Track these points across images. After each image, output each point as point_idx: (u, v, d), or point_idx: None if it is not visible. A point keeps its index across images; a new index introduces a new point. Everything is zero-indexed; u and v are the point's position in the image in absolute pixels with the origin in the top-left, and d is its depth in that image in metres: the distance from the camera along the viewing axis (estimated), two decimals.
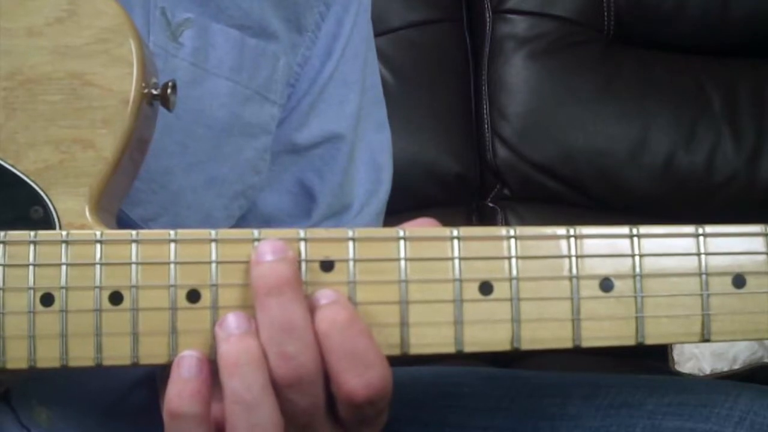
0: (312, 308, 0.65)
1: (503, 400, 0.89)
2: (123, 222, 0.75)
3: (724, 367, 1.88)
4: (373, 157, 0.99)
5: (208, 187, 0.86)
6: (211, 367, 0.66)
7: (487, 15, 2.13)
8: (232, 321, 0.65)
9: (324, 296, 0.65)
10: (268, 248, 0.65)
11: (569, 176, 2.07)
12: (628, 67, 2.11)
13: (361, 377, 0.64)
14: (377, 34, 2.05)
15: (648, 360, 1.91)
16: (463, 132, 2.11)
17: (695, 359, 1.89)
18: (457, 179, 2.09)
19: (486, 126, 2.10)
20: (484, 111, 2.11)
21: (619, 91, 2.09)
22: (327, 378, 0.66)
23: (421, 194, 2.03)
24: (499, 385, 0.91)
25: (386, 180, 1.00)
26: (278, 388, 0.65)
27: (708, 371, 1.88)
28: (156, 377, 0.75)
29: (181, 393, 0.65)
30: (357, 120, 0.97)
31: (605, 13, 2.11)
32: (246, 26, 0.86)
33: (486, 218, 2.08)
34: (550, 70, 2.10)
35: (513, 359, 1.79)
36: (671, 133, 2.07)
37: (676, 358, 1.91)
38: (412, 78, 2.09)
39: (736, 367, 1.87)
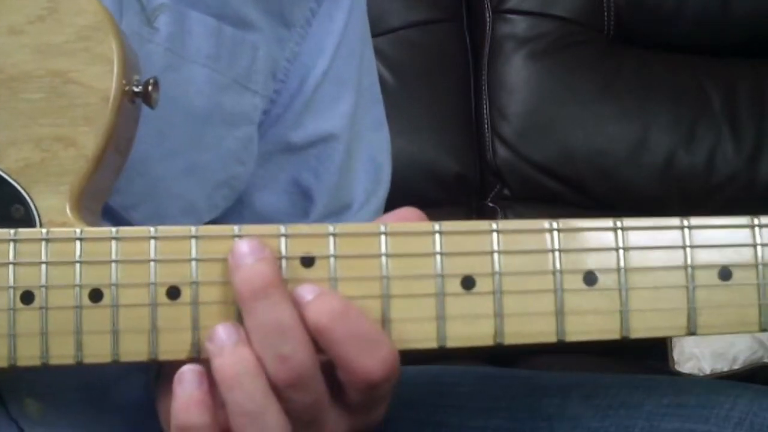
0: (297, 305, 0.65)
1: (501, 400, 0.88)
2: (104, 210, 0.75)
3: (724, 367, 1.88)
4: (372, 156, 0.98)
5: (188, 175, 0.86)
6: (212, 377, 0.65)
7: (487, 15, 2.13)
8: (222, 333, 0.65)
9: (307, 291, 0.65)
10: (246, 249, 0.65)
11: (569, 176, 2.07)
12: (628, 67, 2.11)
13: (373, 357, 0.64)
14: (377, 34, 2.07)
15: (648, 360, 1.91)
16: (463, 132, 2.11)
17: (695, 359, 1.89)
18: (457, 179, 2.09)
19: (486, 126, 2.10)
20: (484, 111, 2.11)
21: (619, 91, 2.09)
22: (331, 369, 0.65)
23: (421, 194, 2.03)
24: (497, 384, 0.90)
25: (385, 179, 1.00)
26: (279, 391, 0.64)
27: (708, 371, 1.88)
28: (151, 381, 0.75)
29: (187, 406, 0.65)
30: (352, 119, 0.96)
31: (605, 13, 2.12)
32: (223, 15, 0.86)
33: (486, 218, 2.07)
34: (550, 70, 2.10)
35: (511, 360, 1.79)
36: (671, 133, 2.07)
37: (676, 358, 1.91)
38: (412, 78, 2.09)
39: (736, 367, 1.87)
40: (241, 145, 0.90)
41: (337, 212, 0.96)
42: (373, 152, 0.99)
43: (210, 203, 0.89)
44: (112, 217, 0.78)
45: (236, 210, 0.93)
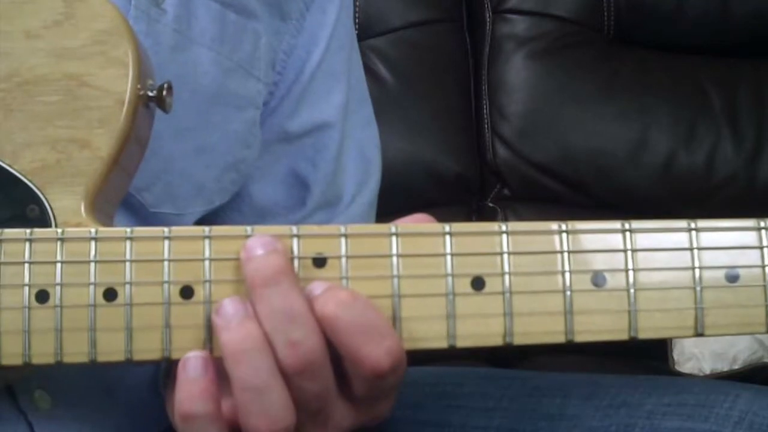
0: (308, 299, 0.65)
1: (502, 400, 0.88)
2: None
3: (724, 367, 1.88)
4: (361, 152, 1.00)
5: (197, 155, 0.87)
6: (217, 366, 0.66)
7: (487, 15, 2.13)
8: (229, 307, 0.65)
9: (317, 286, 0.66)
10: (258, 243, 0.65)
11: (569, 176, 2.07)
12: (628, 67, 2.11)
13: (380, 347, 0.65)
14: (377, 34, 2.08)
15: (648, 360, 1.91)
16: (463, 132, 2.11)
17: (695, 359, 1.89)
18: (457, 179, 2.09)
19: (486, 126, 2.10)
20: (484, 111, 2.11)
21: (619, 91, 2.09)
22: (337, 360, 0.66)
23: (421, 194, 2.03)
24: (499, 385, 0.90)
25: (375, 172, 1.02)
26: (288, 377, 0.65)
27: (708, 371, 1.88)
28: (160, 375, 0.76)
29: (191, 394, 0.65)
30: (344, 111, 0.98)
31: (605, 13, 2.12)
32: (227, 2, 0.88)
33: (486, 218, 2.07)
34: (550, 70, 2.10)
35: (512, 361, 1.79)
36: (671, 133, 2.07)
37: (676, 358, 1.91)
38: (412, 78, 2.09)
39: (736, 367, 1.87)
40: (247, 129, 0.91)
41: (331, 203, 0.98)
42: (362, 147, 1.00)
43: (219, 186, 0.90)
44: (126, 200, 0.79)
45: (235, 204, 0.95)
